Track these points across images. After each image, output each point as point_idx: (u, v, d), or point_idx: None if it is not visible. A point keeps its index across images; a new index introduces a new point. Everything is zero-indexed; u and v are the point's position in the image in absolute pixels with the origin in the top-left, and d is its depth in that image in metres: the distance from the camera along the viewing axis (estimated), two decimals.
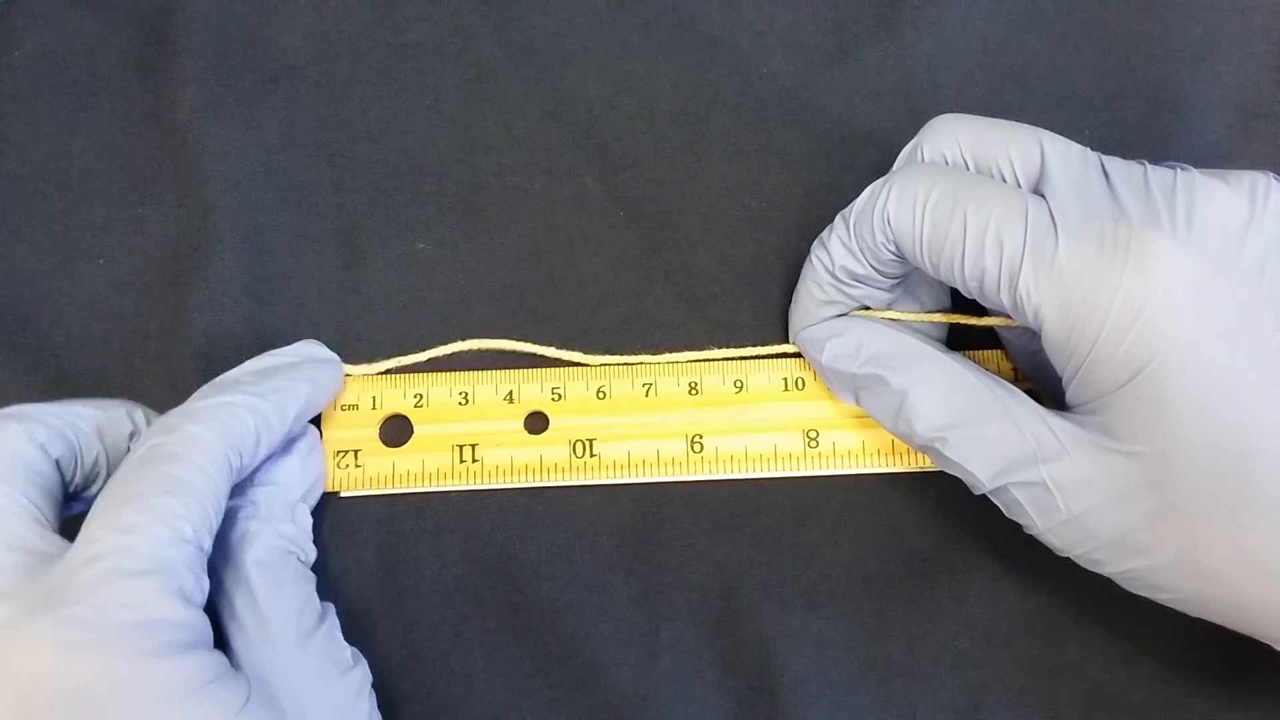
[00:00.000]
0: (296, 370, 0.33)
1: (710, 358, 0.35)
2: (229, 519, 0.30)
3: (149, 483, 0.27)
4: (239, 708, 0.26)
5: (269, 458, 0.32)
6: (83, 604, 0.25)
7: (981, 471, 0.29)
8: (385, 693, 0.34)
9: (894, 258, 0.31)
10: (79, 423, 0.30)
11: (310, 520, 0.32)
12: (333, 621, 0.31)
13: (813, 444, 0.35)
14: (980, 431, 0.29)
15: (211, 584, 0.28)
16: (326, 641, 0.30)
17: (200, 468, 0.28)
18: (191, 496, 0.27)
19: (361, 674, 0.30)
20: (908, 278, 0.33)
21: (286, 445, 0.32)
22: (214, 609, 0.29)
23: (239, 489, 0.31)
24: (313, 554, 0.32)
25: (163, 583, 0.26)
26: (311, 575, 0.31)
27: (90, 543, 0.26)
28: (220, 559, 0.29)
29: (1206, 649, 0.34)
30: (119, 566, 0.25)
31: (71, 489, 0.30)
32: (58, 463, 0.29)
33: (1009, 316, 0.33)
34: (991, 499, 0.30)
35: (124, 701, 0.25)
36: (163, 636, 0.25)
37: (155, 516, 0.26)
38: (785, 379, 0.35)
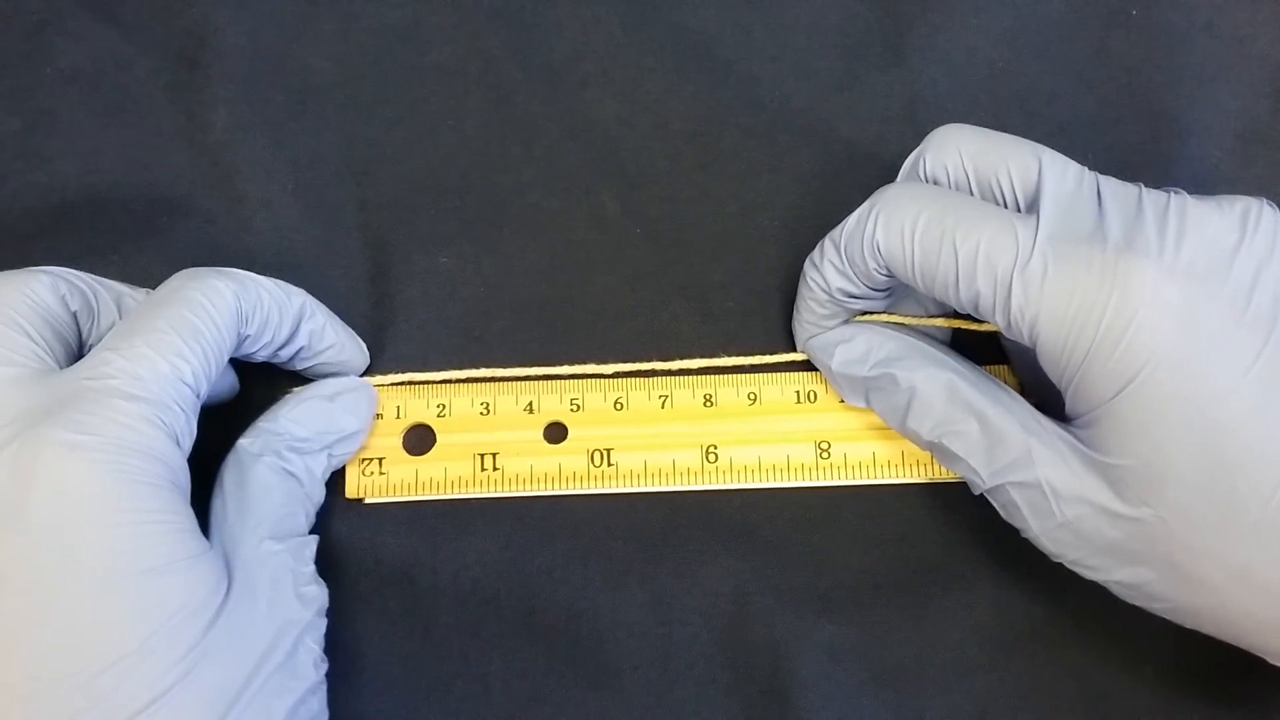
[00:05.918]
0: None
1: (721, 365, 0.36)
2: (250, 434, 0.32)
3: (163, 320, 0.28)
4: (189, 556, 0.27)
5: (308, 408, 0.33)
6: (89, 415, 0.26)
7: (983, 467, 0.30)
8: (404, 691, 0.34)
9: (887, 278, 0.32)
10: (100, 289, 0.32)
11: (323, 467, 0.33)
12: (311, 550, 0.32)
13: (825, 455, 0.36)
14: (983, 428, 0.30)
15: (214, 479, 0.31)
16: (294, 556, 0.31)
17: (212, 318, 0.29)
18: (198, 343, 0.29)
19: (319, 591, 0.31)
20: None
21: (332, 396, 0.34)
22: (206, 498, 0.30)
23: (271, 417, 0.32)
24: (318, 497, 0.33)
25: (157, 415, 0.27)
26: (310, 506, 0.33)
27: (101, 362, 0.27)
28: (232, 463, 0.31)
29: (1204, 657, 0.34)
30: (123, 389, 0.27)
31: (87, 345, 0.31)
32: (75, 316, 0.31)
33: None
34: (990, 500, 0.31)
35: (90, 514, 0.26)
36: (144, 466, 0.27)
37: (162, 351, 0.28)
38: (798, 391, 0.36)
